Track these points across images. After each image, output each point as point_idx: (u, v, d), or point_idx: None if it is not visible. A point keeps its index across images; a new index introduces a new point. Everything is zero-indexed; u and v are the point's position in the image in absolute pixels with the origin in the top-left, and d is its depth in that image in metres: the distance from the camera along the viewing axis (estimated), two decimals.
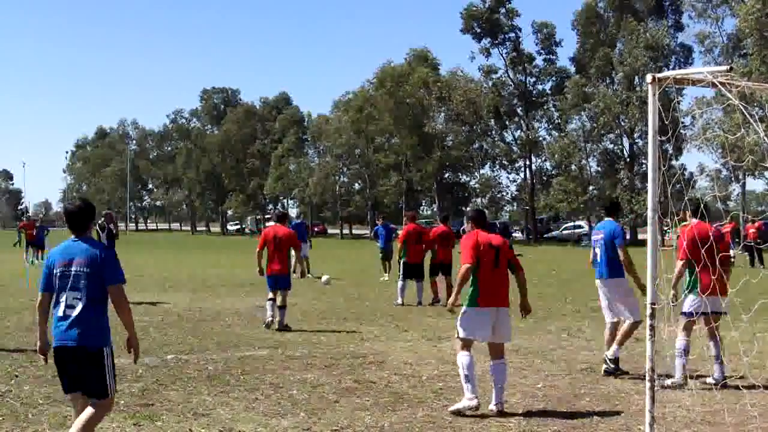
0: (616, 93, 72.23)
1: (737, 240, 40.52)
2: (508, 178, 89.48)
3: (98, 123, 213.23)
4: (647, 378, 7.15)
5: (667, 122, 7.10)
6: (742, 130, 8.42)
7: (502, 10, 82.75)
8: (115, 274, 7.05)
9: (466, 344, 9.67)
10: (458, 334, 9.74)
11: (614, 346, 11.56)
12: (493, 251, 9.66)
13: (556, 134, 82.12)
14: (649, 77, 6.97)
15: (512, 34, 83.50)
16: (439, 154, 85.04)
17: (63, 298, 6.99)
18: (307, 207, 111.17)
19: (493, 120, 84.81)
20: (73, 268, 6.98)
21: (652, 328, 7.11)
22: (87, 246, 7.08)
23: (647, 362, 7.16)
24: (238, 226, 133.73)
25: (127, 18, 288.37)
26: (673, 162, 66.68)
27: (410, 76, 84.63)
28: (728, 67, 6.82)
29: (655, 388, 7.19)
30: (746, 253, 37.36)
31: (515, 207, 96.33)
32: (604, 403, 9.93)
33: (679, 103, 66.86)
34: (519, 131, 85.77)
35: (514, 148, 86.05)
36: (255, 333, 15.67)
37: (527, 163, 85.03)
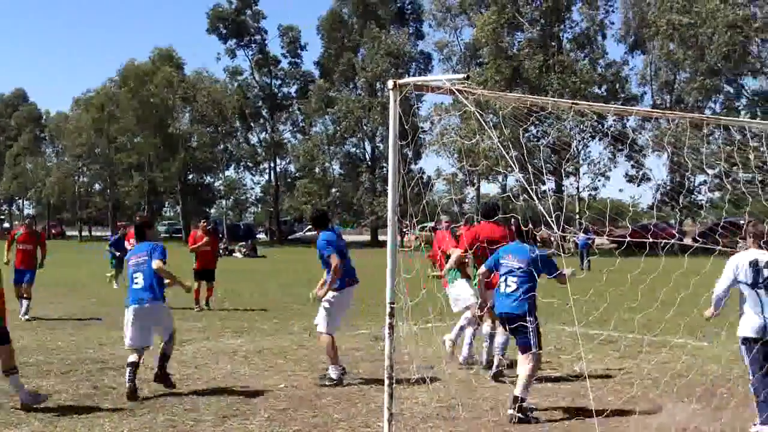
0: (358, 98, 73.71)
1: None
2: (252, 179, 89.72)
3: None
4: (386, 375, 7.30)
5: (407, 127, 7.28)
6: (478, 136, 8.75)
7: (249, 12, 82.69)
8: (551, 269, 9.58)
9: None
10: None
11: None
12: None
13: (301, 137, 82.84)
14: (390, 83, 7.10)
15: (258, 37, 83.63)
16: (184, 154, 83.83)
17: (503, 281, 9.63)
18: (45, 208, 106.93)
19: (238, 122, 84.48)
20: (515, 264, 9.58)
21: (391, 326, 7.26)
22: (525, 248, 9.66)
23: (386, 360, 7.32)
24: None
25: None
26: (413, 166, 68.82)
27: (155, 75, 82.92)
28: (465, 75, 7.03)
29: (393, 385, 7.36)
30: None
31: (260, 209, 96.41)
32: (344, 401, 10.08)
33: (418, 109, 69.12)
34: (264, 133, 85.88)
35: (259, 150, 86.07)
36: None
37: (272, 165, 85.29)
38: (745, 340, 8.73)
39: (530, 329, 9.28)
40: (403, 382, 9.89)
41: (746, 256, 8.85)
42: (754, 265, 8.69)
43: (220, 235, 24.44)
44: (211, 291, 21.17)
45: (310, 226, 77.76)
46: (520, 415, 9.00)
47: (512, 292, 9.50)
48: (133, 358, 10.44)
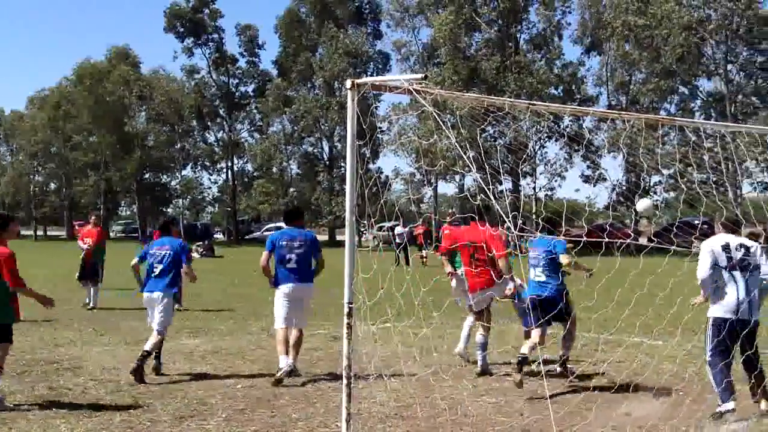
0: (316, 97, 73.53)
1: (429, 241, 42.32)
2: (209, 179, 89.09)
3: None
4: (344, 375, 7.30)
5: (365, 127, 7.29)
6: (435, 136, 8.77)
7: (206, 11, 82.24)
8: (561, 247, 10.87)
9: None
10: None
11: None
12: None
13: (258, 136, 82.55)
14: (348, 83, 7.10)
15: (215, 35, 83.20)
16: (140, 153, 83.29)
17: (533, 272, 11.04)
18: None
19: (195, 120, 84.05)
20: (540, 254, 11.02)
21: (349, 326, 7.26)
22: (544, 239, 10.95)
23: (344, 360, 7.32)
24: None
25: None
26: (371, 165, 68.82)
27: (110, 74, 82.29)
28: (423, 75, 7.04)
29: (352, 385, 7.36)
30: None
31: (217, 208, 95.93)
32: (302, 401, 10.08)
33: (376, 109, 69.14)
34: (221, 132, 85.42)
35: (216, 149, 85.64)
36: None
37: (229, 164, 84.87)
38: (716, 321, 9.11)
39: (563, 309, 10.53)
40: (361, 382, 9.89)
41: (718, 240, 9.25)
42: (726, 248, 9.12)
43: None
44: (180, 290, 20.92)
45: (268, 226, 77.73)
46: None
47: (543, 281, 10.95)
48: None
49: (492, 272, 11.39)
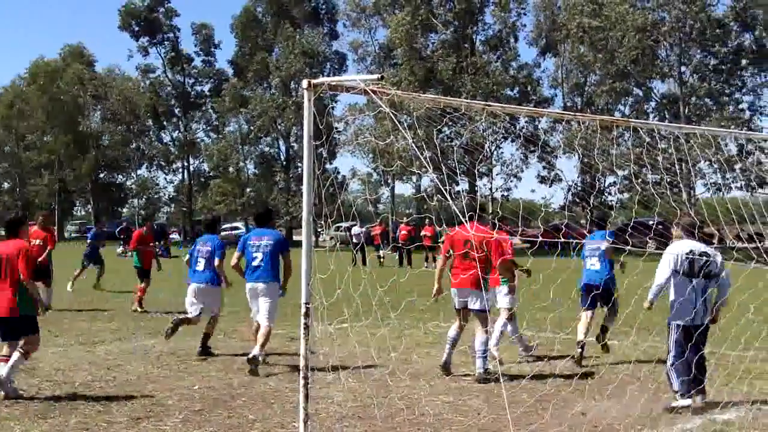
0: (273, 97, 73.21)
1: (386, 241, 42.37)
2: (165, 179, 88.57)
3: None
4: (301, 375, 7.28)
5: (321, 127, 7.29)
6: (392, 136, 8.77)
7: (161, 9, 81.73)
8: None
9: None
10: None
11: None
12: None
13: (214, 136, 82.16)
14: (305, 83, 7.10)
15: (171, 34, 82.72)
16: (95, 153, 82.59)
17: (589, 261, 12.63)
18: None
19: (150, 120, 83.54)
20: (595, 246, 12.61)
21: (307, 327, 7.25)
22: (602, 233, 12.65)
23: (301, 360, 7.30)
24: None
25: None
26: (327, 166, 68.73)
27: (65, 73, 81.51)
28: (380, 75, 7.06)
29: (309, 385, 7.35)
30: (396, 254, 39.03)
31: (173, 208, 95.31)
32: (259, 402, 10.05)
33: (333, 109, 68.98)
34: (177, 132, 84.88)
35: (171, 149, 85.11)
36: None
37: (185, 164, 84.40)
38: (675, 327, 9.23)
39: (614, 297, 12.26)
40: (319, 383, 9.89)
41: (682, 246, 9.31)
42: (689, 255, 9.18)
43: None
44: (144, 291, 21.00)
45: (224, 226, 77.36)
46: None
47: (599, 268, 12.34)
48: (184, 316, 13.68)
49: (480, 275, 11.16)
